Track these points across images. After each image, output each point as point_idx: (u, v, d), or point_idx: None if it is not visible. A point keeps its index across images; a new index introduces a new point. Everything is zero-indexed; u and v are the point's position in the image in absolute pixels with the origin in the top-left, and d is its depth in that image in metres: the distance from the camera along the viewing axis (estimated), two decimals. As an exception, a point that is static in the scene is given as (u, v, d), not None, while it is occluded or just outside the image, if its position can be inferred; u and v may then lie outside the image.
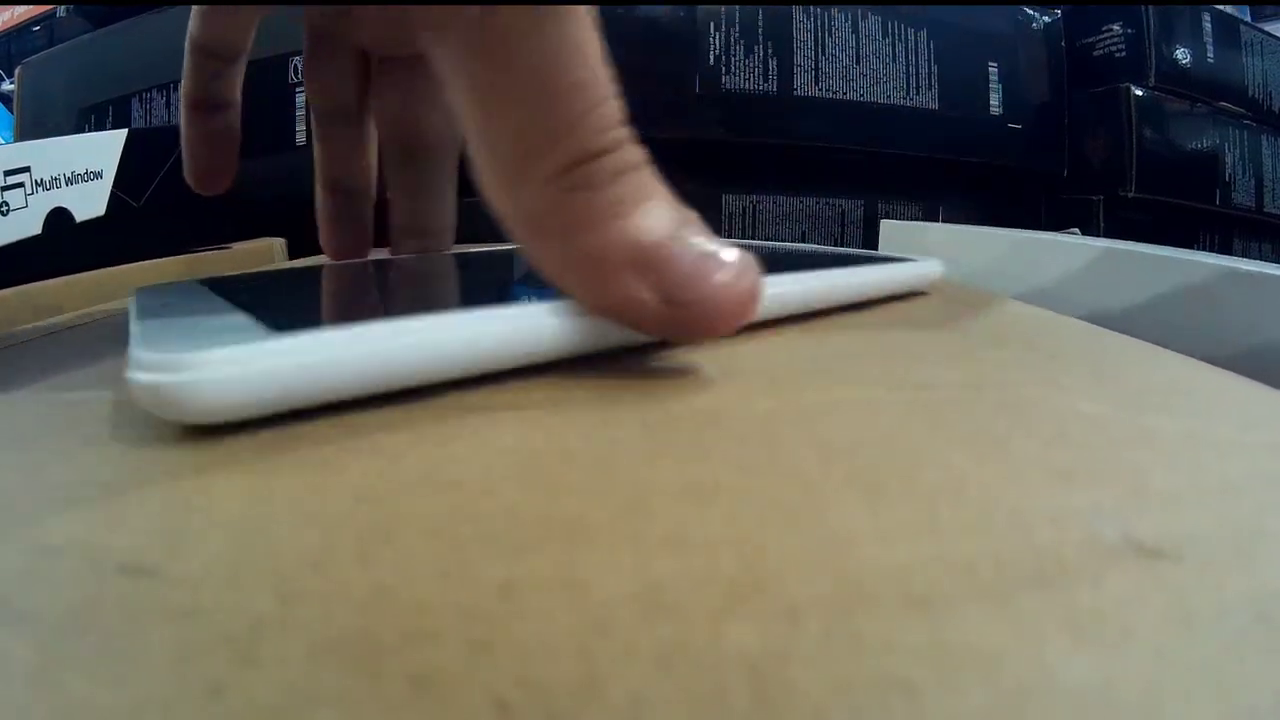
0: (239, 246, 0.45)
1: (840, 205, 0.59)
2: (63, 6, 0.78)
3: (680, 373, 0.15)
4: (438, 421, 0.12)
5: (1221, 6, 0.61)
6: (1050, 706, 0.06)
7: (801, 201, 0.59)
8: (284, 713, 0.06)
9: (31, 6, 0.89)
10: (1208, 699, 0.06)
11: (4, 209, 0.33)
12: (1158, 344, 0.20)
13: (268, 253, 0.47)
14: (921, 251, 0.43)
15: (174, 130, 0.46)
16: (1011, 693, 0.06)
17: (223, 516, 0.09)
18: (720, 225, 0.58)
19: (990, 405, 0.14)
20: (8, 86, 0.87)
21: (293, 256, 0.49)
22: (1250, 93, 0.58)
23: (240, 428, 0.12)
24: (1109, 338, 0.21)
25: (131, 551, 0.08)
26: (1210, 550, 0.08)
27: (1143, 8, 0.57)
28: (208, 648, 0.07)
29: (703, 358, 0.16)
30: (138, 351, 0.11)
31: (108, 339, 0.22)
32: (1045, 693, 0.06)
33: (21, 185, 0.34)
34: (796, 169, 0.59)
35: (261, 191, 0.52)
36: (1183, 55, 0.56)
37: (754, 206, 0.59)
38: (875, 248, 0.52)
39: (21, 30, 0.95)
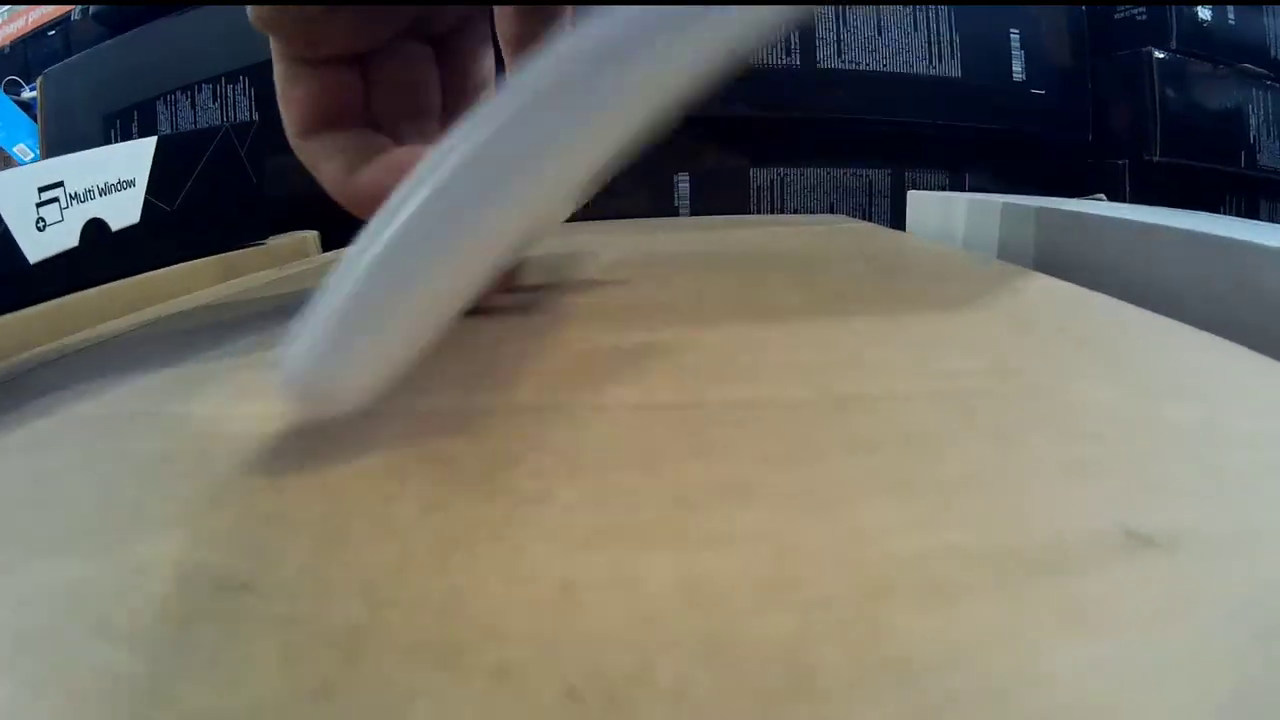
0: (274, 241, 0.46)
1: (867, 175, 0.59)
2: (77, 9, 0.79)
3: (717, 362, 0.16)
4: (488, 424, 0.13)
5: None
6: (1032, 689, 0.07)
7: (828, 173, 0.59)
8: (389, 708, 0.07)
9: (45, 12, 0.90)
10: (1180, 686, 0.07)
11: (40, 224, 0.33)
12: (1183, 316, 0.20)
13: (302, 246, 0.48)
14: (948, 224, 0.43)
15: (203, 134, 0.47)
16: (1002, 675, 0.07)
17: (303, 529, 0.10)
18: (748, 199, 0.58)
19: (1012, 394, 0.14)
20: (29, 94, 0.88)
21: (326, 248, 0.50)
22: (1273, 53, 0.57)
23: (303, 437, 0.12)
24: (1133, 316, 0.21)
25: (223, 567, 0.09)
26: (1206, 543, 0.09)
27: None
28: (312, 652, 0.07)
29: (738, 345, 0.17)
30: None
31: (153, 350, 0.23)
32: (1030, 678, 0.07)
33: (56, 200, 0.35)
34: (822, 140, 0.59)
35: (293, 186, 0.53)
36: (1204, 17, 0.55)
37: (781, 179, 0.59)
38: (903, 218, 0.52)
39: (37, 35, 0.96)
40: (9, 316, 0.27)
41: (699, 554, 0.09)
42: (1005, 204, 0.39)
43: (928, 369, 0.16)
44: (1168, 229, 0.28)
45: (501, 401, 0.14)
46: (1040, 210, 0.36)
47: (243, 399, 0.15)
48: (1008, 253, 0.38)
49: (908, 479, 0.10)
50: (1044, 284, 0.26)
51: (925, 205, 0.48)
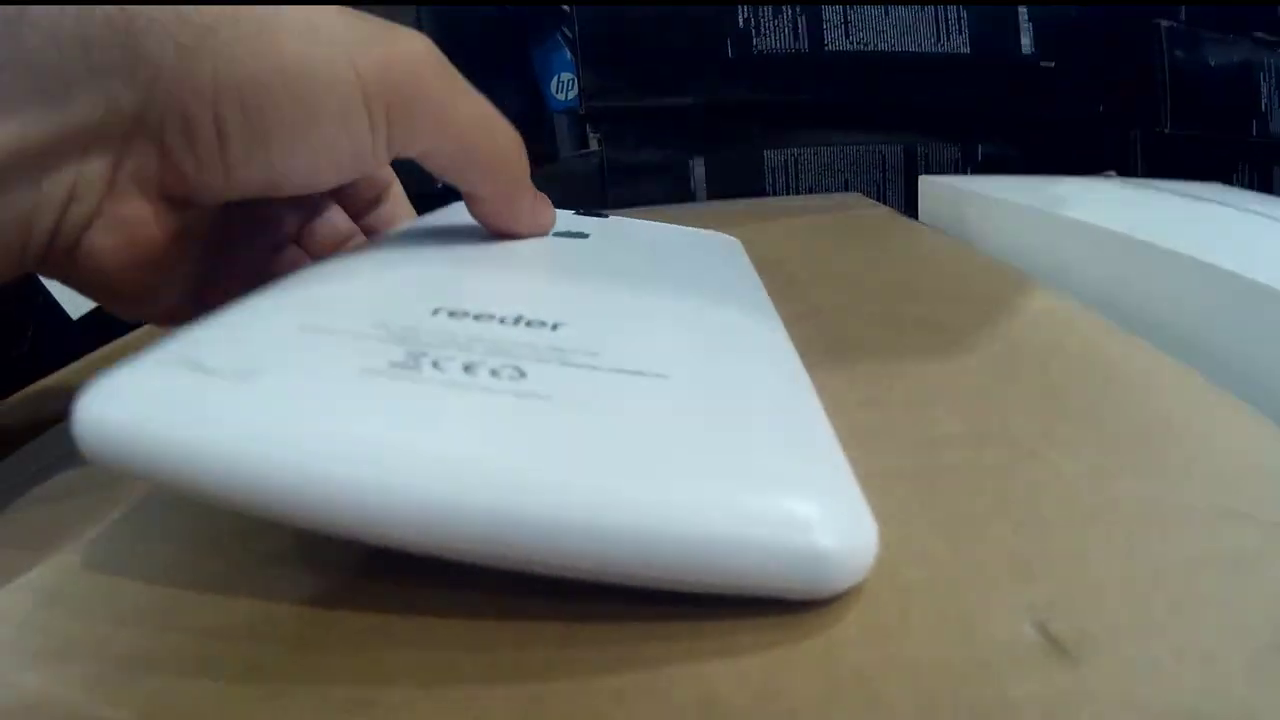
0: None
1: (880, 152, 0.61)
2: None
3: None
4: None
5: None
6: None
7: (841, 151, 0.60)
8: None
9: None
10: None
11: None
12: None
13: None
14: (957, 211, 0.45)
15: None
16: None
17: None
18: (763, 180, 0.60)
19: (984, 471, 0.16)
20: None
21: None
22: (1284, 18, 0.57)
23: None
24: (1118, 352, 0.23)
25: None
26: (1109, 653, 0.11)
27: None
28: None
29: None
30: None
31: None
32: None
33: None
34: (834, 120, 0.60)
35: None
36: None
37: (795, 159, 0.60)
38: (915, 195, 0.53)
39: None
40: (55, 377, 0.27)
41: (707, 664, 0.11)
42: (1009, 203, 0.41)
43: (910, 437, 0.18)
44: (1166, 251, 0.29)
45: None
46: (1034, 213, 0.38)
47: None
48: (1011, 245, 0.39)
49: (874, 589, 0.13)
50: (1039, 304, 0.28)
51: (935, 191, 0.49)
